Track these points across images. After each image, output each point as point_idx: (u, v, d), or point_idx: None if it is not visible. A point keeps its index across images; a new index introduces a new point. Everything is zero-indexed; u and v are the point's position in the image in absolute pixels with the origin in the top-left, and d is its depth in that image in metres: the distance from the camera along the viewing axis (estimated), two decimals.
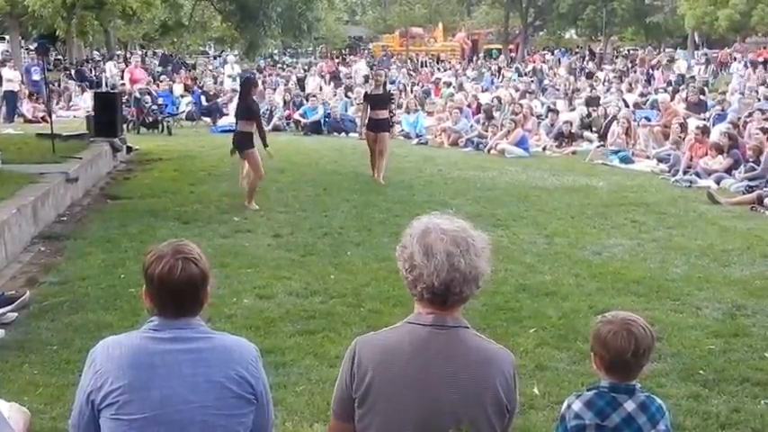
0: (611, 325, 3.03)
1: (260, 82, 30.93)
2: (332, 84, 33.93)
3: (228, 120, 22.33)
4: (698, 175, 14.80)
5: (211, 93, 26.88)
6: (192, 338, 2.89)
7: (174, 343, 2.85)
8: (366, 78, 34.54)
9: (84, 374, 2.87)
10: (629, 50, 52.93)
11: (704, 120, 19.53)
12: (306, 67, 43.75)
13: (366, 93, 14.62)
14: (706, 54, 42.27)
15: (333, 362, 5.50)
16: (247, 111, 11.85)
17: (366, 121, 14.29)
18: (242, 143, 11.73)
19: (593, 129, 20.44)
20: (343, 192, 12.83)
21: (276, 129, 23.92)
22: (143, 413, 2.74)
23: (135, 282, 7.13)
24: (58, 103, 27.25)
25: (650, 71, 34.89)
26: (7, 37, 38.49)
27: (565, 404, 3.12)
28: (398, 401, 2.70)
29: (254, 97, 12.20)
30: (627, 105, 22.74)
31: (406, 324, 2.79)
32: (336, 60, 46.04)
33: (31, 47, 36.04)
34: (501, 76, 35.69)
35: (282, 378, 5.35)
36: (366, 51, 60.69)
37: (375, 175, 13.95)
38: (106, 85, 29.98)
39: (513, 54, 59.12)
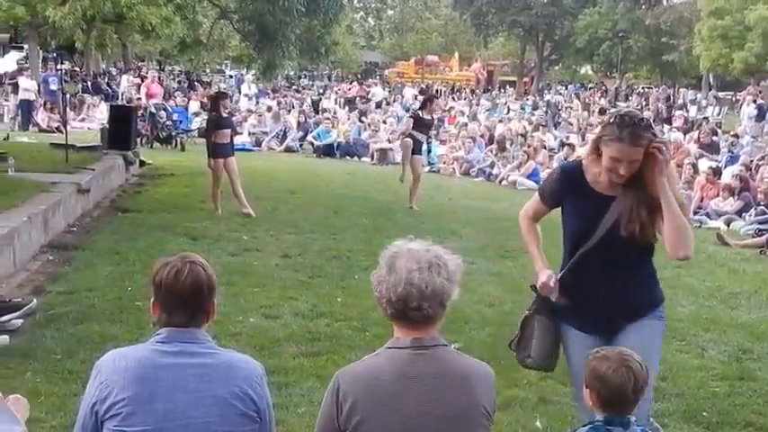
0: (609, 361, 3.03)
1: (275, 103, 31.15)
2: (346, 108, 34.10)
3: (243, 138, 22.46)
4: (708, 215, 14.78)
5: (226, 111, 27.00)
6: (199, 353, 2.90)
7: (179, 357, 2.86)
8: (379, 104, 34.70)
9: (89, 385, 2.88)
10: (643, 88, 53.06)
11: (716, 161, 19.54)
12: (321, 90, 43.94)
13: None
14: (716, 97, 42.33)
15: None
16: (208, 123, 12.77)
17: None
18: (210, 152, 12.08)
19: None
20: (353, 215, 12.84)
21: (289, 150, 24.04)
22: (146, 426, 2.75)
23: (141, 295, 7.14)
24: (74, 112, 27.41)
25: (666, 109, 34.93)
26: (26, 46, 38.73)
27: None
28: (386, 426, 2.71)
29: (224, 111, 12.30)
30: None
31: (386, 350, 2.84)
32: (360, 85, 46.26)
33: (50, 57, 36.25)
34: (507, 109, 35.88)
35: (284, 399, 5.33)
36: (380, 77, 60.88)
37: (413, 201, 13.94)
38: (122, 98, 30.17)
39: (527, 87, 59.31)
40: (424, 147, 15.22)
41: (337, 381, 2.82)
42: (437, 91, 48.25)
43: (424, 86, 49.58)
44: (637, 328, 3.87)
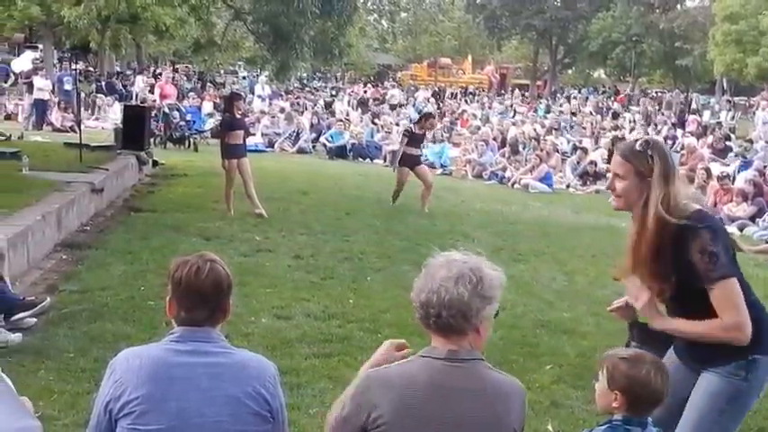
0: (646, 365, 3.02)
1: (288, 104, 31.21)
2: (359, 110, 34.12)
3: (255, 139, 22.49)
4: (721, 221, 14.72)
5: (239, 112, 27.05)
6: (212, 352, 2.91)
7: (193, 356, 2.88)
8: (394, 107, 34.73)
9: (103, 383, 2.89)
10: (656, 92, 52.95)
11: (725, 164, 19.53)
12: (334, 92, 43.94)
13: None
14: (729, 101, 42.22)
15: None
16: (221, 123, 13.03)
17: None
18: (223, 153, 12.12)
19: None
20: (365, 217, 12.83)
21: (301, 151, 24.07)
22: (159, 424, 2.76)
23: (154, 294, 7.17)
24: (88, 111, 27.51)
25: (684, 115, 34.88)
26: (40, 46, 38.90)
27: None
28: None
29: (238, 112, 12.33)
30: None
31: (420, 357, 2.79)
32: (374, 87, 46.41)
33: (65, 57, 36.40)
34: (514, 112, 35.95)
35: (296, 399, 5.33)
36: (394, 80, 60.88)
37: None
38: (136, 98, 30.27)
39: (540, 91, 59.20)
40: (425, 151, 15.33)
41: (367, 383, 2.77)
42: (452, 94, 48.24)
43: (437, 89, 49.60)
44: (700, 380, 3.60)
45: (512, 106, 38.98)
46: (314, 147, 24.85)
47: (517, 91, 51.92)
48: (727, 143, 22.68)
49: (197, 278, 2.90)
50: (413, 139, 14.05)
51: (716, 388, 3.55)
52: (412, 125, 14.87)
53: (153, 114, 20.57)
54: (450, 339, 2.74)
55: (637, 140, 3.62)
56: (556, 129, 27.48)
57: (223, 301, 2.97)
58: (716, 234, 3.42)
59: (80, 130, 16.10)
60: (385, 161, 22.85)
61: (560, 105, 39.86)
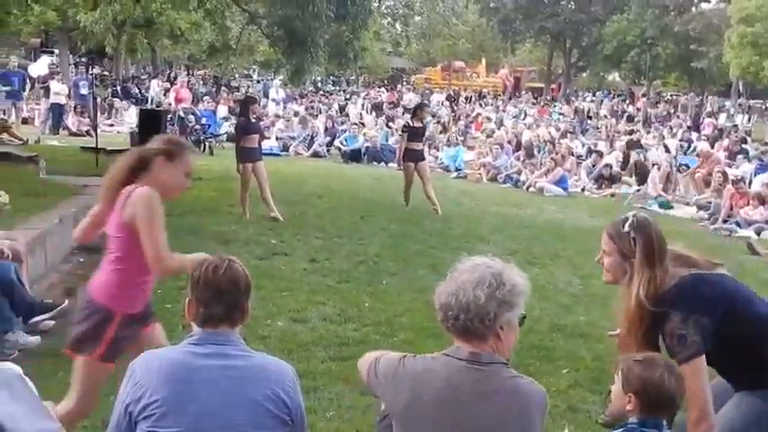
0: (659, 367, 3.03)
1: (302, 108, 31.26)
2: (373, 113, 34.13)
3: (270, 143, 22.51)
4: (738, 224, 14.66)
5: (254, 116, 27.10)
6: (231, 355, 2.93)
7: (212, 359, 2.89)
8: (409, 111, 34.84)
9: (123, 386, 2.92)
10: (671, 95, 52.75)
11: (736, 168, 19.46)
12: (348, 96, 43.97)
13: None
14: (741, 105, 42.08)
15: (364, 389, 5.48)
16: (236, 127, 13.25)
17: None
18: (238, 156, 12.16)
19: (637, 172, 20.30)
20: (380, 220, 12.83)
21: (316, 155, 24.09)
22: (179, 427, 2.78)
23: (171, 298, 7.18)
24: (104, 115, 27.64)
25: (699, 118, 34.78)
26: (56, 51, 39.12)
27: None
28: (418, 427, 2.74)
29: (253, 116, 12.35)
30: (668, 151, 22.65)
31: (444, 356, 2.83)
32: (388, 91, 46.53)
33: (81, 61, 36.64)
34: (524, 114, 35.91)
35: (313, 403, 5.34)
36: (408, 83, 60.87)
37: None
38: (151, 102, 30.41)
39: (554, 94, 59.03)
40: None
41: (400, 366, 2.86)
42: (466, 98, 48.20)
43: (451, 93, 49.55)
44: (734, 397, 3.61)
45: (524, 109, 38.95)
46: (328, 150, 24.85)
47: (528, 94, 51.81)
48: (744, 146, 22.58)
49: (215, 275, 2.95)
50: (413, 133, 14.13)
51: (746, 403, 3.55)
52: (409, 120, 14.95)
53: (168, 118, 20.63)
54: (471, 343, 2.76)
55: (626, 220, 3.61)
56: (570, 132, 27.44)
57: (241, 301, 2.99)
58: (687, 315, 3.37)
59: (96, 134, 16.20)
60: (399, 165, 22.87)
61: (560, 108, 39.92)
